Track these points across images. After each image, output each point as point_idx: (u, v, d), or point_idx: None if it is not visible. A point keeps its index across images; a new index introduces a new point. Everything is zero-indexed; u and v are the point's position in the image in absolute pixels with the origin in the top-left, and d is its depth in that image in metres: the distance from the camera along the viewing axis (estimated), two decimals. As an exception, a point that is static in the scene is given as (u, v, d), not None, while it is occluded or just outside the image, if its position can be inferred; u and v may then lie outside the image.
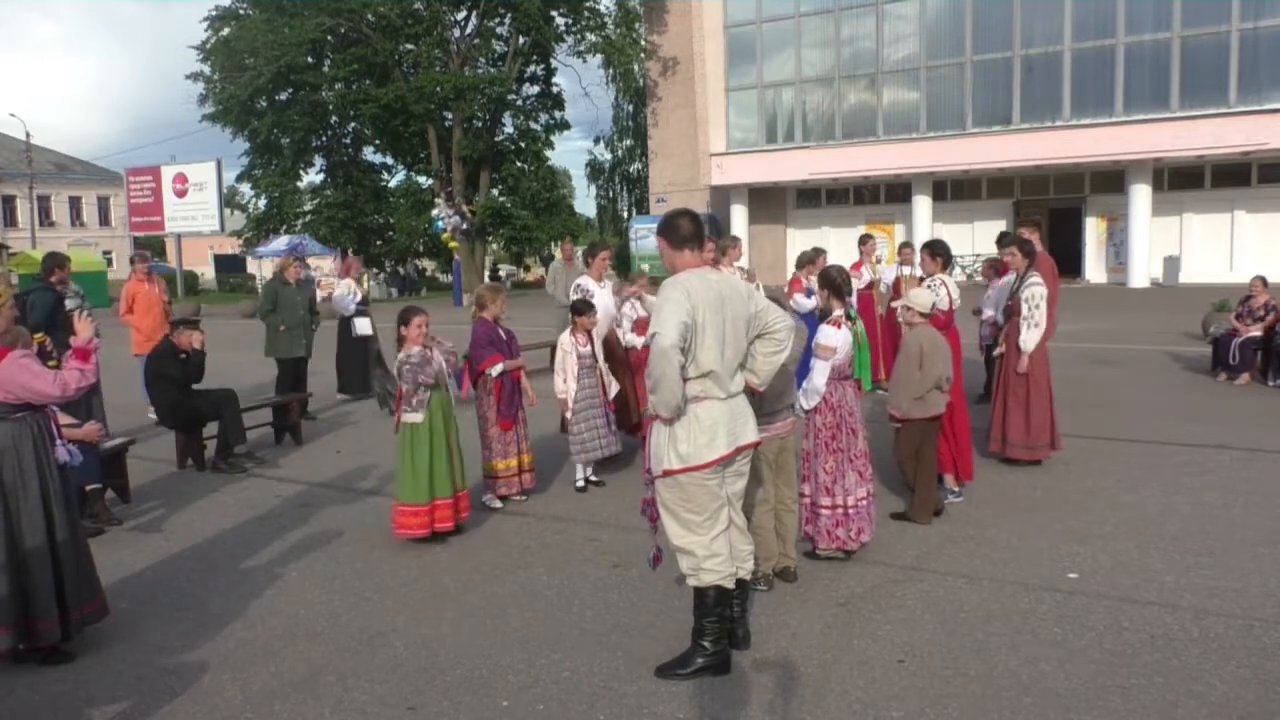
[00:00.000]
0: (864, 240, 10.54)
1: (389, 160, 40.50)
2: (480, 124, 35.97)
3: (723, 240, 8.99)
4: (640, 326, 7.61)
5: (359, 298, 10.98)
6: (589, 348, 6.81)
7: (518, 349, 6.51)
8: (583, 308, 6.91)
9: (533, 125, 37.74)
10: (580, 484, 6.72)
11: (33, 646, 4.05)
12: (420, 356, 5.55)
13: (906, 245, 10.58)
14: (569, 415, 6.69)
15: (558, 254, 14.99)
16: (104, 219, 57.46)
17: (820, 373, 4.85)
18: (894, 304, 9.27)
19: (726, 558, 3.77)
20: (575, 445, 6.69)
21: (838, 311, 4.98)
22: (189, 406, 7.68)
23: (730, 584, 3.81)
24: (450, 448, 5.66)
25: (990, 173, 28.25)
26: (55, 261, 8.23)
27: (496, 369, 6.21)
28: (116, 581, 5.14)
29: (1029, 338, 6.69)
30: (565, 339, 6.78)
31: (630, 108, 45.07)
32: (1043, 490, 6.39)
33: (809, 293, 8.85)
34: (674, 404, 3.59)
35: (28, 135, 47.45)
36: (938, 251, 6.84)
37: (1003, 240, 7.57)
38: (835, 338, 4.88)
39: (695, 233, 3.78)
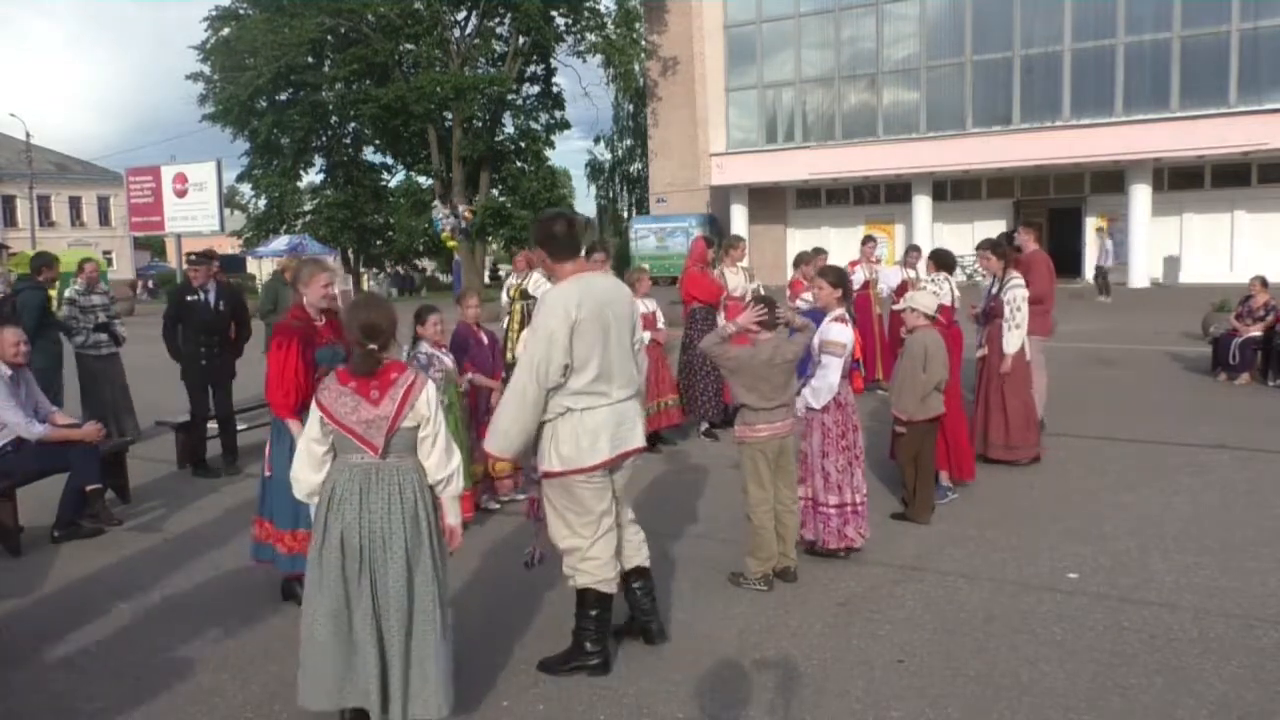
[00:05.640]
0: (865, 241, 10.53)
1: (389, 160, 40.53)
2: (480, 124, 35.95)
3: (725, 240, 8.98)
4: (646, 321, 7.68)
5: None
6: None
7: (500, 356, 6.52)
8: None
9: (533, 125, 37.73)
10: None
11: None
12: (426, 357, 5.61)
13: (914, 248, 10.57)
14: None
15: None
16: (104, 219, 57.44)
17: (834, 370, 4.85)
18: (895, 307, 9.30)
19: (605, 562, 3.78)
20: None
21: (840, 309, 4.99)
22: (197, 366, 7.50)
23: (609, 589, 3.82)
24: (457, 444, 5.70)
25: (990, 173, 28.25)
26: (43, 261, 8.22)
27: (466, 379, 6.17)
28: (117, 581, 5.15)
29: (1011, 339, 6.71)
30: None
31: (630, 108, 45.03)
32: (1042, 490, 6.39)
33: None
34: (517, 446, 3.67)
35: (28, 135, 47.46)
36: (943, 264, 7.07)
37: (980, 247, 7.67)
38: (844, 334, 4.89)
39: (574, 240, 3.77)
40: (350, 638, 3.19)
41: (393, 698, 3.17)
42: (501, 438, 3.68)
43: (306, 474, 3.29)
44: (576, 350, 3.58)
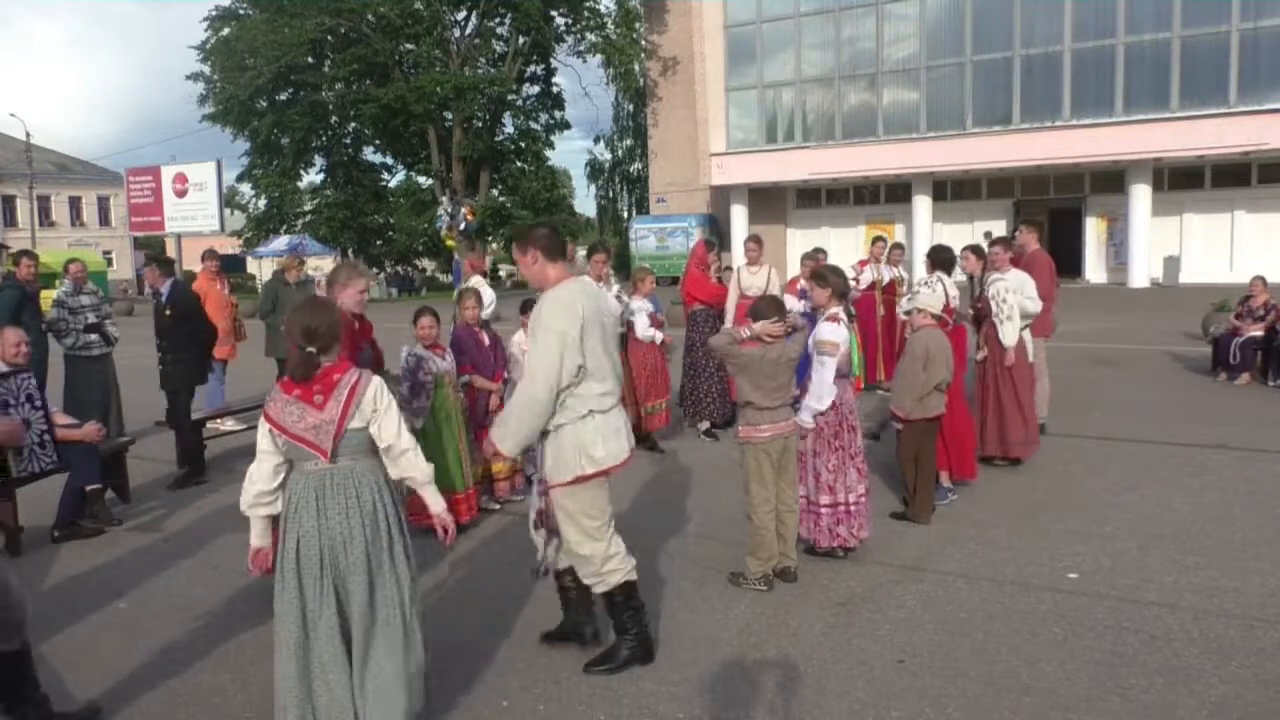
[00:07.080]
0: (875, 241, 10.51)
1: (389, 160, 40.57)
2: (480, 124, 35.97)
3: (747, 241, 8.95)
4: (654, 320, 7.71)
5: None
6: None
7: (501, 357, 6.49)
8: (527, 307, 6.98)
9: (533, 125, 37.76)
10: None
11: None
12: (416, 359, 5.64)
13: (898, 247, 10.59)
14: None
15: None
16: (104, 219, 57.42)
17: (830, 370, 4.85)
18: (901, 310, 9.31)
19: (624, 554, 3.83)
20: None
21: (836, 308, 4.99)
22: (158, 371, 7.44)
23: (634, 575, 3.86)
24: (458, 445, 5.77)
25: (990, 173, 28.26)
26: (14, 258, 8.13)
27: (461, 380, 6.17)
28: (116, 581, 5.15)
29: (1006, 331, 6.71)
30: (519, 338, 6.81)
31: (630, 108, 45.05)
32: (1043, 490, 6.39)
33: (801, 294, 8.84)
34: (520, 446, 3.68)
35: (28, 135, 47.43)
36: (941, 262, 7.08)
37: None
38: (838, 334, 4.89)
39: (562, 244, 3.82)
40: (309, 669, 3.06)
41: (358, 704, 3.09)
42: (508, 436, 3.65)
43: (254, 485, 3.16)
44: (588, 349, 3.57)
